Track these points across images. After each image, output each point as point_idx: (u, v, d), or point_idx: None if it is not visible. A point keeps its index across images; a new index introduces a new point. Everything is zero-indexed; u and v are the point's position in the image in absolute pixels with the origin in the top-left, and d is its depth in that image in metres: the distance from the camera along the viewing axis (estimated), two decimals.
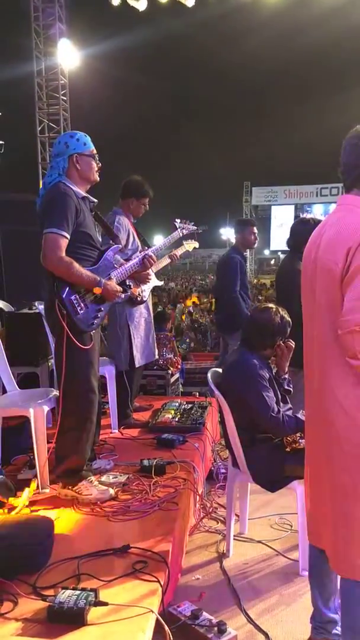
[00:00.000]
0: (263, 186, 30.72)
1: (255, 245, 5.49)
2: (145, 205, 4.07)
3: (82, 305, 2.76)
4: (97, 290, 2.77)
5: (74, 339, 2.69)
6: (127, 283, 3.83)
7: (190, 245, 4.45)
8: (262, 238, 39.35)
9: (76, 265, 2.70)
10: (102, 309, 2.87)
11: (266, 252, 41.58)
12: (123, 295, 3.07)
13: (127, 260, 3.49)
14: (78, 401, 2.81)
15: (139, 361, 4.00)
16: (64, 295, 2.70)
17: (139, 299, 3.93)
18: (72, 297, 2.73)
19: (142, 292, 3.97)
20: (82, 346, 2.72)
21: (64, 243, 2.68)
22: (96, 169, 2.93)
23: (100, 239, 3.11)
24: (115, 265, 3.03)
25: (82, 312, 2.75)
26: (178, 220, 4.09)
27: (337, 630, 2.09)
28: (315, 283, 1.86)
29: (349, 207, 1.82)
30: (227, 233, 45.67)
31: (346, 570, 1.82)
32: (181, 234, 4.09)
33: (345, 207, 1.85)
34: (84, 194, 2.89)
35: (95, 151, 2.92)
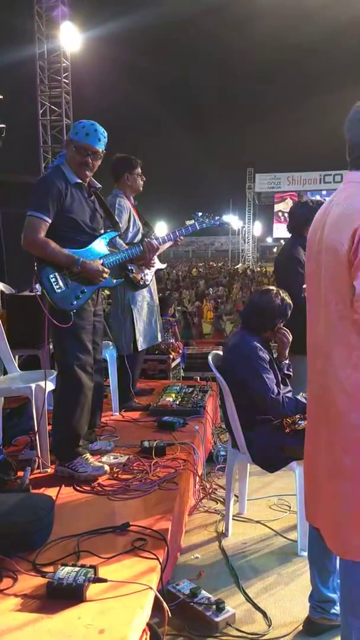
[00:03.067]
0: (266, 173, 30.47)
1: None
2: (141, 175, 4.02)
3: (62, 284, 2.82)
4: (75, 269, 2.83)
5: (49, 315, 2.79)
6: (130, 267, 3.83)
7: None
8: (265, 226, 39.27)
9: (52, 245, 2.78)
10: (86, 290, 2.90)
11: (269, 239, 41.46)
12: (114, 281, 3.10)
13: (128, 243, 3.47)
14: (67, 376, 2.88)
15: (141, 345, 4.00)
16: (42, 274, 2.81)
17: (141, 282, 3.92)
18: (51, 276, 2.81)
19: (144, 276, 3.95)
20: (57, 323, 2.78)
21: (43, 225, 2.77)
22: (89, 164, 2.89)
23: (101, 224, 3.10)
24: (108, 250, 3.06)
25: (59, 290, 2.81)
26: (199, 214, 3.98)
27: (336, 609, 2.11)
28: (320, 263, 1.83)
29: (356, 184, 1.77)
30: (231, 220, 45.52)
31: (345, 550, 1.83)
32: (198, 228, 4.00)
33: (351, 185, 1.80)
34: (79, 180, 2.91)
35: (96, 149, 2.88)
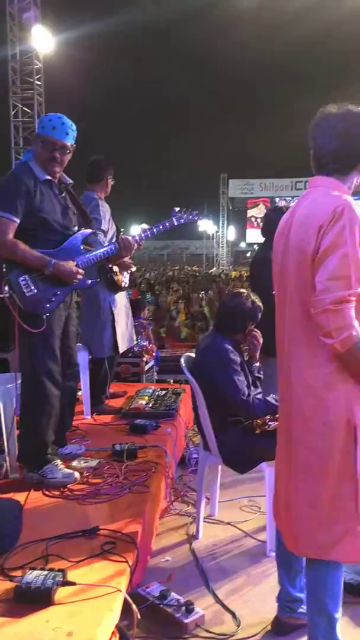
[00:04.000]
0: (240, 179, 30.71)
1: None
2: (112, 181, 4.04)
3: (33, 287, 2.72)
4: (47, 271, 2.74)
5: (20, 321, 2.69)
6: (113, 270, 3.82)
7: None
8: (239, 231, 39.55)
9: (22, 246, 2.68)
10: (59, 292, 2.82)
11: (242, 244, 41.76)
12: (89, 281, 3.01)
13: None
14: (33, 385, 2.80)
15: (121, 347, 4.00)
16: (12, 277, 2.70)
17: (123, 285, 3.93)
18: (21, 278, 2.71)
19: (124, 278, 3.96)
20: (28, 328, 2.70)
21: (11, 226, 2.67)
22: (58, 159, 2.80)
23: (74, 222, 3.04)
24: (83, 249, 2.97)
25: (30, 293, 2.71)
26: (177, 209, 3.97)
27: (303, 608, 2.12)
28: (286, 264, 1.86)
29: (322, 188, 1.82)
30: (205, 225, 45.70)
31: (310, 550, 1.85)
32: (176, 223, 3.98)
33: (317, 190, 1.85)
34: (49, 177, 2.82)
35: (64, 144, 2.78)
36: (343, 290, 1.63)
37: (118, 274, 3.84)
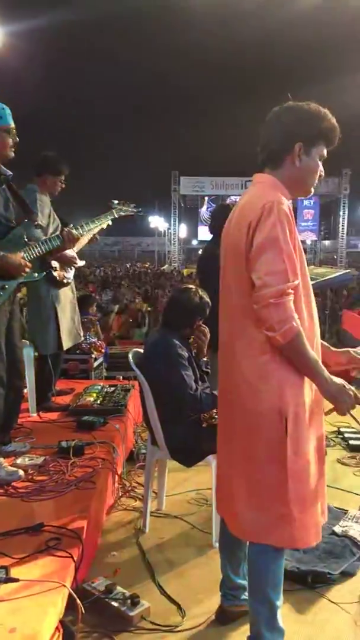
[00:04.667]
0: (191, 176, 30.84)
1: None
2: (62, 182, 3.99)
3: None
4: None
5: None
6: (53, 265, 3.77)
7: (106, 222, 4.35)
8: (190, 228, 39.74)
9: None
10: (7, 286, 2.79)
11: (194, 242, 41.95)
12: (36, 274, 2.99)
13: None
14: None
15: (66, 343, 3.95)
16: None
17: (65, 281, 3.88)
18: None
19: (67, 274, 3.91)
20: None
21: None
22: (11, 144, 2.83)
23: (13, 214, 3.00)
24: (26, 241, 2.95)
25: None
26: (115, 202, 3.98)
27: (246, 595, 2.17)
28: (226, 260, 1.93)
29: (259, 184, 1.88)
30: (156, 221, 45.63)
31: (252, 534, 1.90)
32: (116, 216, 3.98)
33: (254, 186, 1.91)
34: None
35: (12, 126, 2.82)
36: (281, 283, 1.69)
37: (58, 269, 3.80)
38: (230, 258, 1.88)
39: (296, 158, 1.84)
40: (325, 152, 1.90)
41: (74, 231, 3.45)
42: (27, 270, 2.86)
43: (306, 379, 1.81)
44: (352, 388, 1.82)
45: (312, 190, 1.94)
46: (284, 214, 1.74)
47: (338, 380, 1.80)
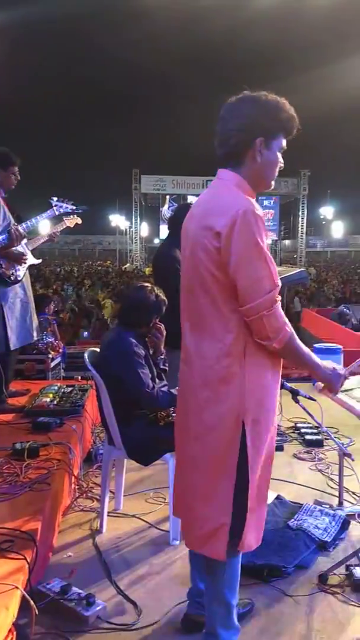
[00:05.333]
0: (152, 175, 30.80)
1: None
2: (16, 175, 3.92)
3: None
4: None
5: None
6: None
7: (72, 221, 4.35)
8: (152, 227, 39.64)
9: None
10: None
11: (156, 240, 41.88)
12: None
13: None
14: None
15: (14, 344, 3.88)
16: None
17: (12, 278, 3.81)
18: None
19: (16, 271, 3.85)
20: None
21: None
22: None
23: None
24: None
25: None
26: (55, 199, 3.98)
27: None
28: (189, 259, 1.86)
29: (222, 182, 1.84)
30: (117, 220, 45.36)
31: (192, 542, 1.91)
32: (57, 213, 3.99)
33: (218, 183, 1.86)
34: None
35: None
36: (269, 291, 1.70)
37: (4, 266, 3.74)
38: (192, 259, 1.81)
39: (257, 153, 1.78)
40: (284, 143, 1.85)
41: (20, 229, 3.41)
42: None
43: (269, 386, 1.82)
44: (340, 367, 1.98)
45: (273, 183, 1.89)
46: (258, 217, 1.70)
47: (329, 364, 1.92)
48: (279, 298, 1.74)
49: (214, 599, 1.91)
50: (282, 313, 1.75)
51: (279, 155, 1.84)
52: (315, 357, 1.88)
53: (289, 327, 1.76)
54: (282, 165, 1.87)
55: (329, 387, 2.00)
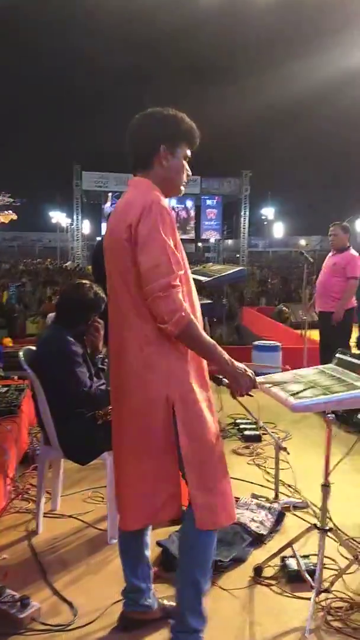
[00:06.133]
0: (94, 171, 30.41)
1: None
2: None
3: None
4: None
5: None
6: None
7: (6, 216, 4.27)
8: (93, 225, 39.25)
9: None
10: None
11: (98, 238, 41.49)
12: None
13: None
14: None
15: None
16: None
17: None
18: None
19: None
20: None
21: None
22: None
23: None
24: None
25: None
26: None
27: (147, 601, 2.15)
28: (109, 258, 1.98)
29: (132, 187, 1.97)
30: (58, 216, 44.59)
31: (137, 522, 1.99)
32: None
33: (130, 189, 1.98)
34: None
35: None
36: (166, 275, 1.76)
37: None
38: (112, 256, 1.94)
39: (163, 159, 1.94)
40: (188, 152, 2.01)
41: None
42: None
43: (191, 367, 1.89)
44: (251, 371, 1.92)
45: (183, 189, 2.03)
46: (164, 209, 1.82)
47: (238, 363, 1.90)
48: (178, 285, 1.78)
49: (184, 581, 1.95)
50: (181, 299, 1.79)
51: (185, 163, 2.00)
52: (221, 351, 1.87)
53: (187, 313, 1.78)
54: (190, 173, 2.03)
55: (232, 385, 1.92)
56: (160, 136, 1.93)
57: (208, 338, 1.84)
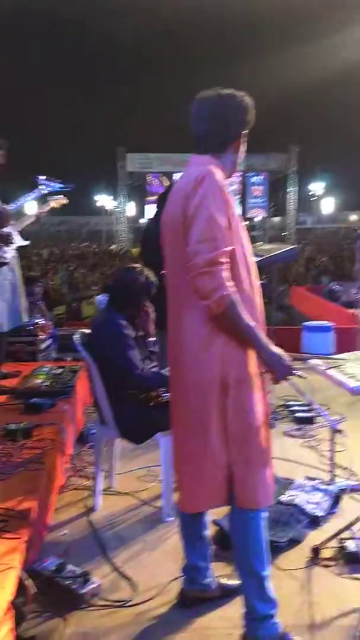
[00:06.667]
0: (138, 152, 30.39)
1: None
2: (3, 155, 3.85)
3: None
4: None
5: None
6: None
7: (58, 201, 4.32)
8: (138, 207, 39.28)
9: None
10: None
11: (142, 220, 41.56)
12: None
13: None
14: None
15: (2, 327, 3.85)
16: None
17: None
18: None
19: (3, 253, 3.80)
20: None
21: None
22: None
23: None
24: None
25: None
26: (41, 177, 3.94)
27: (203, 579, 2.18)
28: (166, 236, 1.98)
29: (195, 166, 1.93)
30: (103, 200, 44.84)
31: (193, 505, 2.01)
32: (43, 192, 3.95)
33: (191, 167, 1.96)
34: None
35: None
36: (212, 251, 1.74)
37: None
38: (169, 234, 1.93)
39: (239, 145, 1.96)
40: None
41: (7, 209, 3.38)
42: None
43: (247, 349, 1.86)
44: (288, 358, 1.87)
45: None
46: (216, 183, 1.79)
47: (276, 348, 1.86)
48: (223, 262, 1.75)
49: (244, 572, 1.96)
50: (226, 277, 1.75)
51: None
52: (260, 336, 1.82)
53: (230, 292, 1.75)
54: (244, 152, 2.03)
55: (271, 373, 1.88)
56: (240, 122, 1.94)
57: (248, 321, 1.79)
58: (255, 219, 33.80)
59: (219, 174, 1.84)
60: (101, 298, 6.44)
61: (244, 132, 1.97)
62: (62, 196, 4.28)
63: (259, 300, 1.95)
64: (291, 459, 3.58)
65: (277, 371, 1.85)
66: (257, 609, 1.93)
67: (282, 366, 1.84)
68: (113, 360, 2.85)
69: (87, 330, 3.12)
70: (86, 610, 2.17)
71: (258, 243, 7.85)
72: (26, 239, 4.18)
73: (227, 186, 1.84)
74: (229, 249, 1.78)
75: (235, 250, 1.83)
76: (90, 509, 2.97)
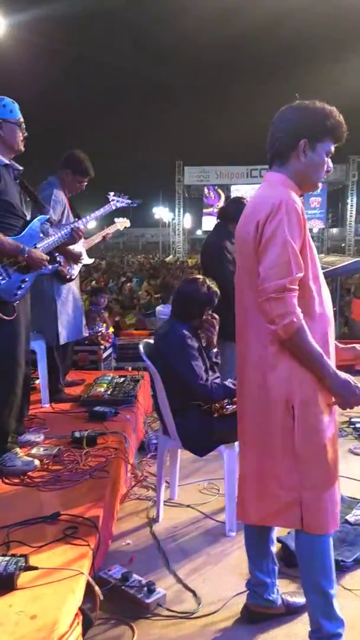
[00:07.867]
0: (195, 165, 30.68)
1: None
2: (81, 184, 4.00)
3: (5, 274, 2.73)
4: (21, 259, 2.75)
5: None
6: (58, 259, 3.79)
7: (122, 223, 4.46)
8: (195, 219, 39.58)
9: None
10: (27, 279, 2.84)
11: (198, 232, 41.79)
12: (50, 267, 3.05)
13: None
14: (2, 374, 2.78)
15: (64, 338, 3.95)
16: None
17: (68, 276, 3.90)
18: None
19: (71, 270, 3.94)
20: (4, 317, 2.69)
21: None
22: (21, 138, 2.89)
23: (24, 207, 3.05)
24: (42, 235, 3.00)
25: (4, 282, 2.72)
26: (112, 193, 4.06)
27: (269, 595, 2.16)
28: (238, 255, 2.00)
29: (268, 183, 1.94)
30: (160, 212, 45.47)
31: (254, 517, 1.99)
32: (114, 207, 4.06)
33: (263, 184, 1.97)
34: (7, 162, 2.85)
35: (22, 120, 2.87)
36: (284, 277, 1.74)
37: (62, 264, 3.82)
38: (241, 254, 1.95)
39: (301, 154, 1.88)
40: (332, 148, 1.93)
41: (81, 226, 3.52)
42: (46, 263, 2.91)
43: None
44: (358, 385, 1.83)
45: (320, 185, 2.01)
46: (293, 209, 1.78)
47: (343, 375, 1.81)
48: (294, 288, 1.75)
49: (311, 590, 1.93)
50: (294, 304, 1.75)
51: (326, 158, 1.92)
52: (327, 363, 1.79)
53: (298, 320, 1.74)
54: (331, 168, 1.95)
55: (338, 402, 1.84)
56: (303, 130, 1.87)
57: (316, 348, 1.77)
58: (314, 230, 33.30)
59: (294, 196, 1.82)
60: (161, 309, 6.52)
61: (316, 141, 1.88)
62: (125, 219, 4.42)
63: (329, 321, 1.92)
64: (357, 478, 3.48)
65: (344, 400, 1.82)
66: (324, 627, 1.90)
67: (351, 394, 1.80)
68: (177, 370, 2.87)
69: (151, 340, 3.16)
70: (151, 620, 2.18)
71: (320, 255, 7.76)
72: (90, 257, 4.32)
73: (302, 208, 1.82)
74: (300, 275, 1.77)
75: (309, 270, 1.83)
76: (153, 520, 2.99)
